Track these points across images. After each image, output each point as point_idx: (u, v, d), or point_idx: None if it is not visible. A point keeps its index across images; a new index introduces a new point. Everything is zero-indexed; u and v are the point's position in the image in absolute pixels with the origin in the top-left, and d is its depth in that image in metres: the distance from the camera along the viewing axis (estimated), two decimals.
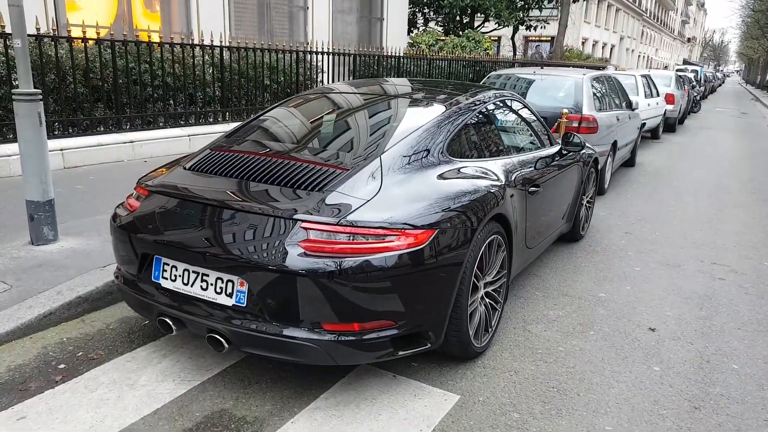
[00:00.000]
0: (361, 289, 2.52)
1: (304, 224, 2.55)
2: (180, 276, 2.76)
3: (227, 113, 9.02)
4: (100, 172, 6.64)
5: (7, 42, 6.21)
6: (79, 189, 5.89)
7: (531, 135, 4.37)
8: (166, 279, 2.80)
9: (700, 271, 4.86)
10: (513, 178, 3.56)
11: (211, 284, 2.67)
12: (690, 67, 31.14)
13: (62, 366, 2.99)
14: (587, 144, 5.21)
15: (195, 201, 2.82)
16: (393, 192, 2.80)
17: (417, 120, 3.33)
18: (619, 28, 49.95)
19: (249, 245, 2.59)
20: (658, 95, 13.50)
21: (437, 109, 3.47)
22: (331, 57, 11.12)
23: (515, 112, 4.29)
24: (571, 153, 4.67)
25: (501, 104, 4.09)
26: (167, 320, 2.77)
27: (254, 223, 2.63)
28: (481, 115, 3.72)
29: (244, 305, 2.60)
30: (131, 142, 7.41)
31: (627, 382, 3.09)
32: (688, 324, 3.83)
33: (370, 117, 3.57)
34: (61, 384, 2.82)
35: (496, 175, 3.41)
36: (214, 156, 3.16)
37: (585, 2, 26.26)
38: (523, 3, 20.17)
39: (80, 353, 3.12)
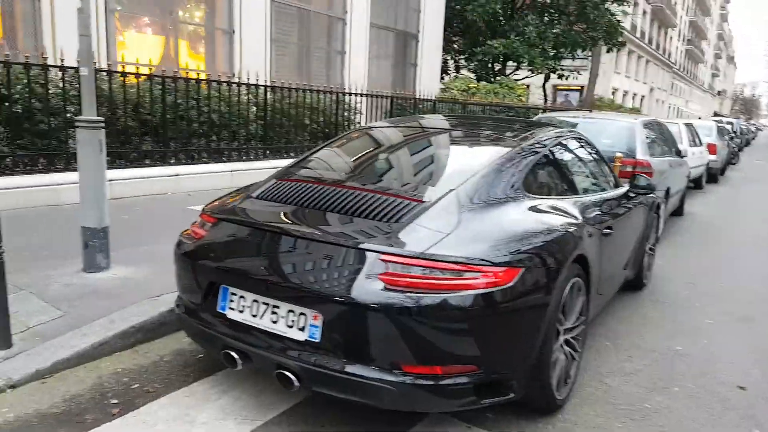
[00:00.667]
0: (445, 329, 2.34)
1: (385, 256, 2.40)
2: (248, 307, 2.62)
3: (268, 150, 9.05)
4: (145, 204, 6.62)
5: (64, 74, 6.33)
6: (125, 219, 5.85)
7: (598, 175, 4.21)
8: (233, 310, 2.66)
9: None
10: (589, 217, 3.39)
11: (282, 317, 2.52)
12: (724, 119, 30.83)
13: (118, 399, 2.83)
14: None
15: (266, 230, 2.71)
16: (473, 226, 2.65)
17: (489, 155, 3.20)
18: (649, 80, 50.05)
19: (325, 277, 2.45)
20: (701, 144, 13.26)
21: (509, 145, 3.34)
22: (368, 99, 11.20)
23: (583, 150, 4.14)
24: (639, 196, 4.49)
25: (570, 142, 3.95)
26: (232, 354, 2.62)
27: (331, 254, 2.48)
28: (552, 152, 3.58)
29: (318, 341, 2.43)
30: (176, 175, 7.43)
31: None
32: None
33: (438, 151, 3.46)
34: (119, 418, 2.67)
35: (573, 214, 3.24)
36: (283, 185, 3.06)
37: (616, 53, 26.36)
38: (555, 52, 20.27)
39: (135, 385, 2.97)
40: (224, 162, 8.27)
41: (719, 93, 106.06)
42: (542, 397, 2.80)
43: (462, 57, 21.91)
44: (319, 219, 2.71)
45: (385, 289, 2.33)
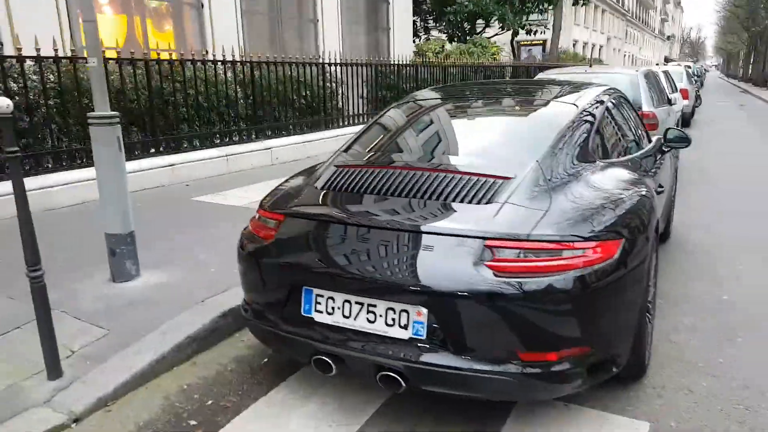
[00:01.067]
0: (559, 312, 2.21)
1: (491, 242, 2.23)
2: (339, 308, 2.42)
3: (258, 131, 8.68)
4: (145, 199, 6.26)
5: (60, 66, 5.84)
6: None
7: (639, 131, 4.09)
8: (321, 312, 2.46)
9: None
10: (648, 176, 3.28)
11: (381, 316, 2.33)
12: (683, 63, 31.25)
13: (196, 419, 2.62)
14: None
15: (350, 224, 2.49)
16: (567, 200, 2.49)
17: (555, 121, 3.02)
18: (606, 29, 50.30)
19: (426, 269, 2.26)
20: (676, 90, 13.36)
21: (570, 109, 3.16)
22: (353, 68, 10.84)
23: (625, 107, 4.00)
24: (673, 149, 4.40)
25: (618, 100, 3.80)
26: (325, 359, 2.42)
27: (428, 244, 2.30)
28: (608, 111, 3.44)
29: (423, 337, 2.26)
30: (170, 165, 7.05)
31: None
32: None
33: (500, 121, 3.25)
34: None
35: (638, 175, 3.12)
36: (351, 172, 2.82)
37: (574, 6, 26.30)
38: (522, 7, 20.05)
39: (209, 401, 2.76)
40: (217, 147, 7.88)
41: (668, 38, 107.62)
42: (636, 365, 2.75)
43: (431, 18, 21.49)
44: (405, 207, 2.51)
45: (495, 276, 2.17)
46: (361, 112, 11.35)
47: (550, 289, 2.17)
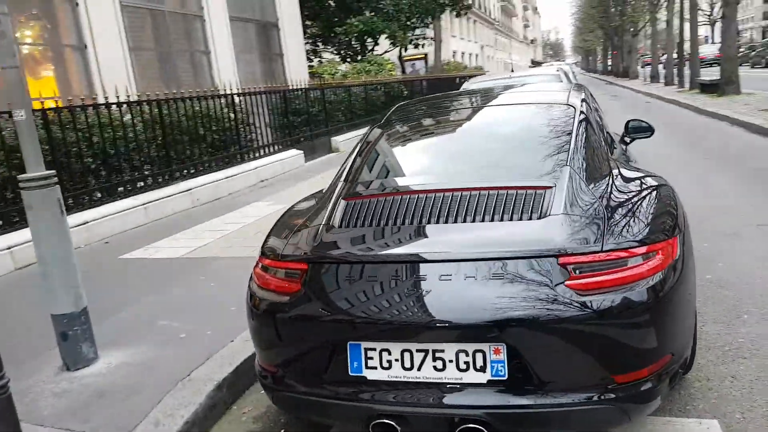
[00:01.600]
0: (642, 323, 2.02)
1: (564, 259, 2.01)
2: (398, 360, 2.08)
3: (175, 173, 8.00)
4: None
5: None
6: None
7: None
8: (374, 368, 2.11)
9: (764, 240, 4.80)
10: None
11: (451, 361, 2.03)
12: (554, 63, 33.40)
13: None
14: None
15: (395, 262, 2.16)
16: (614, 205, 2.36)
17: (563, 123, 2.89)
18: (479, 39, 52.89)
19: (499, 300, 1.99)
20: None
21: (569, 110, 3.03)
22: (260, 96, 10.40)
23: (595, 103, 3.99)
24: (634, 140, 4.45)
25: (589, 97, 3.76)
26: (388, 422, 2.07)
27: (496, 272, 2.03)
28: (596, 110, 3.38)
29: (505, 377, 1.99)
30: (84, 223, 6.26)
31: None
32: None
33: (507, 130, 3.03)
34: None
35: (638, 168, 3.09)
36: (370, 205, 2.48)
37: (450, 18, 27.41)
38: (407, 23, 20.47)
39: None
40: (132, 196, 7.14)
41: (532, 41, 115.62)
42: (691, 361, 2.64)
43: (320, 40, 21.36)
44: (450, 234, 2.23)
45: (579, 295, 1.96)
46: (273, 140, 10.89)
47: (632, 301, 1.99)
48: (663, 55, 31.53)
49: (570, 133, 2.74)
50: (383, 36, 19.51)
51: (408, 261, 2.15)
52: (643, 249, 2.08)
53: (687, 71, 21.69)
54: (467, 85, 7.93)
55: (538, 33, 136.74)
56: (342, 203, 2.56)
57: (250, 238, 5.82)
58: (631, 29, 39.46)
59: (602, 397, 1.99)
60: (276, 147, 10.82)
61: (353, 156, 3.05)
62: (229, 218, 6.96)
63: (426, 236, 2.26)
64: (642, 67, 42.07)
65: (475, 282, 2.03)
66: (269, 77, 14.97)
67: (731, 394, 2.64)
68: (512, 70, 7.92)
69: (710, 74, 20.11)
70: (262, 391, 3.04)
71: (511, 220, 2.22)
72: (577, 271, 2.00)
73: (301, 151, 11.37)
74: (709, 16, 38.88)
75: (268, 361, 2.40)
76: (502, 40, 71.57)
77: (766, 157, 8.29)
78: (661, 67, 30.40)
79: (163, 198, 7.35)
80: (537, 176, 2.47)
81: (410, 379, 2.07)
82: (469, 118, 3.29)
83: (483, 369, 2.01)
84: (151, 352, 3.38)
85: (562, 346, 1.98)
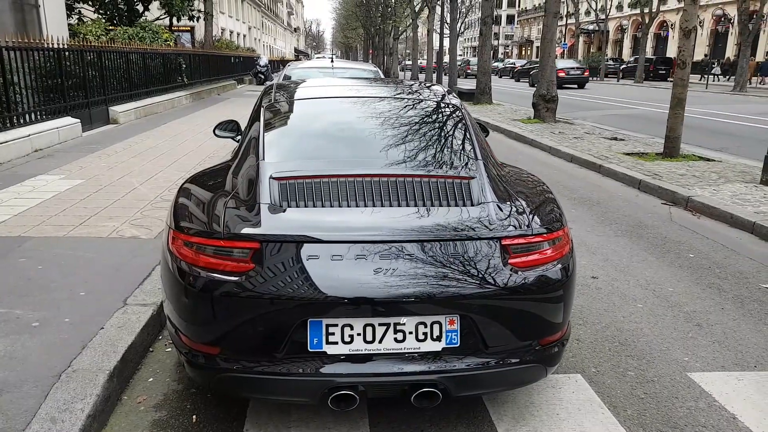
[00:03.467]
0: (561, 296, 2.49)
1: (506, 241, 2.37)
2: (360, 335, 2.25)
3: None
4: None
5: None
6: None
7: None
8: (335, 344, 2.25)
9: None
10: None
11: (410, 333, 2.27)
12: (326, 55, 34.55)
13: None
14: None
15: (353, 242, 2.29)
16: (524, 195, 2.74)
17: (456, 120, 3.24)
18: (247, 19, 51.81)
19: (455, 277, 2.28)
20: None
21: (457, 109, 3.38)
22: (26, 53, 8.93)
23: None
24: None
25: None
26: (347, 393, 2.24)
27: (450, 251, 2.31)
28: None
29: (458, 345, 2.30)
30: None
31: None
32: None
33: (410, 120, 3.24)
34: None
35: None
36: (308, 186, 2.54)
37: None
38: None
39: None
40: None
41: (295, 30, 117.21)
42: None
43: None
44: (399, 216, 2.42)
45: (518, 272, 2.34)
46: (43, 105, 9.42)
47: (553, 278, 2.42)
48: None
49: (466, 129, 3.12)
50: (156, 2, 18.08)
51: (366, 241, 2.29)
52: (559, 233, 2.53)
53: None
54: (292, 71, 7.92)
55: (301, 22, 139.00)
56: (274, 182, 2.57)
57: (58, 216, 5.14)
58: (392, 33, 42.75)
59: (531, 358, 2.43)
60: (46, 114, 9.41)
61: (256, 133, 3.00)
62: (17, 192, 5.99)
63: (375, 217, 2.42)
64: (401, 70, 45.85)
65: (432, 260, 2.29)
66: (21, 30, 12.82)
67: (581, 354, 3.29)
68: (332, 60, 8.14)
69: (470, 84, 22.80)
70: (151, 380, 2.94)
71: (449, 205, 2.50)
72: (516, 251, 2.38)
73: (78, 120, 10.08)
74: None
75: (207, 341, 2.34)
76: (268, 24, 71.20)
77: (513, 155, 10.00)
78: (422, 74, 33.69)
79: None
80: (456, 167, 2.80)
81: (370, 352, 2.26)
82: (363, 106, 3.43)
83: (439, 338, 2.28)
84: (3, 343, 2.91)
85: (504, 315, 2.35)
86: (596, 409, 2.76)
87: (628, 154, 9.29)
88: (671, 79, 17.79)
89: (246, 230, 2.33)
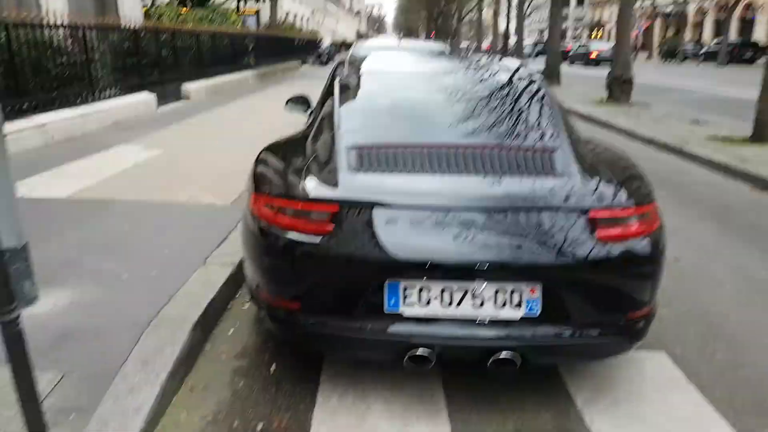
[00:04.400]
0: (654, 272, 2.43)
1: (593, 213, 2.32)
2: (437, 298, 2.27)
3: (21, 105, 6.97)
4: None
5: None
6: None
7: None
8: (412, 305, 2.28)
9: None
10: None
11: (490, 299, 2.27)
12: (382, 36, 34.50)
13: None
14: None
15: (437, 208, 2.30)
16: (602, 165, 2.68)
17: (536, 92, 3.18)
18: (310, 3, 52.29)
19: (538, 246, 2.26)
20: None
21: (536, 82, 3.31)
22: (108, 33, 9.36)
23: None
24: None
25: None
26: (424, 354, 2.26)
27: (535, 221, 2.29)
28: None
29: (537, 315, 2.28)
30: None
31: None
32: None
33: (490, 92, 3.21)
34: None
35: None
36: (382, 154, 2.58)
37: None
38: None
39: (259, 426, 2.34)
40: None
41: (357, 13, 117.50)
42: None
43: None
44: (485, 185, 2.41)
45: (604, 244, 2.29)
46: (123, 81, 9.88)
47: (640, 252, 2.36)
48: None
49: (546, 100, 3.06)
50: None
51: (447, 207, 2.30)
52: (647, 207, 2.46)
53: None
54: (360, 49, 7.93)
55: (363, 6, 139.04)
56: (352, 150, 2.60)
57: (140, 183, 5.41)
58: (456, 15, 42.20)
59: (615, 332, 2.39)
60: (124, 89, 9.85)
61: (330, 105, 3.05)
62: (100, 161, 6.33)
63: (458, 185, 2.43)
64: None
65: (513, 229, 2.28)
66: (99, 11, 13.41)
67: (665, 333, 3.17)
68: (400, 39, 8.14)
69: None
70: (230, 333, 3.06)
71: (532, 175, 2.47)
72: (603, 224, 2.32)
73: (154, 95, 10.51)
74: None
75: (287, 298, 2.42)
76: (330, 8, 71.58)
77: None
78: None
79: (12, 133, 6.39)
80: (538, 138, 2.76)
81: (447, 316, 2.27)
82: (437, 77, 3.42)
83: (518, 306, 2.27)
84: (96, 292, 3.11)
85: (588, 287, 2.31)
86: (683, 388, 2.67)
87: (711, 137, 8.75)
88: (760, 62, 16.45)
89: (325, 194, 2.38)
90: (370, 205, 2.31)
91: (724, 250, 4.46)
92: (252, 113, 10.60)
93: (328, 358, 2.81)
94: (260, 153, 3.01)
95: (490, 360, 2.26)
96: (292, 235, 2.35)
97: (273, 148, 3.11)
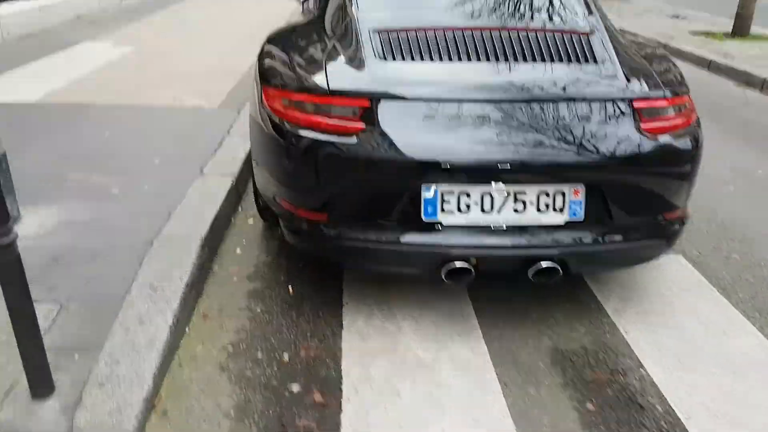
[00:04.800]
0: (693, 170, 2.22)
1: (637, 103, 2.07)
2: (477, 204, 2.03)
3: None
4: None
5: None
6: None
7: None
8: (450, 213, 2.04)
9: None
10: None
11: (531, 203, 2.04)
12: None
13: (299, 381, 2.02)
14: None
15: (474, 100, 2.01)
16: (638, 53, 2.42)
17: None
18: None
19: (582, 141, 2.01)
20: None
21: None
22: None
23: None
24: None
25: None
26: (461, 266, 2.04)
27: (577, 113, 2.03)
28: None
29: (581, 218, 2.07)
30: None
31: None
32: None
33: None
34: (349, 404, 1.94)
35: None
36: (409, 38, 2.21)
37: None
38: None
39: (285, 355, 2.14)
40: None
41: None
42: None
43: None
44: (521, 73, 2.12)
45: (647, 138, 2.06)
46: None
47: (682, 147, 2.15)
48: None
49: None
50: None
51: (486, 100, 2.02)
52: (685, 98, 2.22)
53: None
54: None
55: None
56: (376, 35, 2.25)
57: (116, 84, 4.91)
58: None
59: (655, 234, 2.21)
60: None
61: None
62: (67, 60, 5.73)
63: (498, 74, 2.12)
64: None
65: (556, 123, 2.02)
66: None
67: (681, 238, 3.04)
68: None
69: None
70: (238, 251, 2.81)
71: (572, 62, 2.18)
72: (647, 115, 2.08)
73: None
74: None
75: (312, 207, 2.15)
76: None
77: None
78: None
79: None
80: (571, 20, 2.43)
81: (488, 223, 2.05)
82: None
83: (561, 210, 2.06)
84: (86, 210, 2.79)
85: (632, 186, 2.10)
86: (705, 291, 2.59)
87: (693, 32, 8.50)
88: None
89: (354, 86, 2.06)
90: (406, 99, 2.02)
91: (722, 149, 4.30)
92: (231, 6, 9.76)
93: (348, 275, 2.59)
94: (265, 44, 2.64)
95: (532, 270, 2.06)
96: (316, 135, 2.05)
97: (279, 38, 2.73)
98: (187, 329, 2.25)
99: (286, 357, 2.13)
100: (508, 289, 2.51)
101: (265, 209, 2.71)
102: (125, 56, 5.91)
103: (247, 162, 3.45)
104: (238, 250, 2.82)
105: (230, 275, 2.62)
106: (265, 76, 2.34)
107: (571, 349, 2.21)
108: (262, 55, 2.52)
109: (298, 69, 2.28)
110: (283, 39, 2.68)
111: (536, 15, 2.49)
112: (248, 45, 6.35)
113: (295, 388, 1.99)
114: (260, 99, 2.32)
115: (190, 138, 3.75)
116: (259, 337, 2.23)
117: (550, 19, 2.46)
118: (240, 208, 3.21)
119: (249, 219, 3.10)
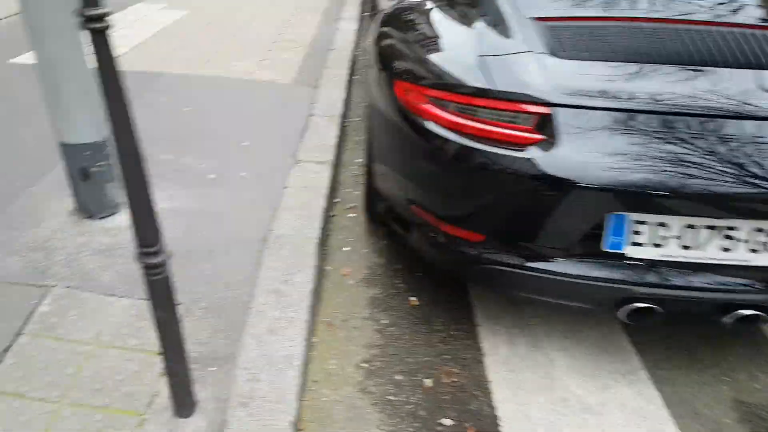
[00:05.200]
0: None
1: None
2: (676, 237, 1.78)
3: None
4: None
5: None
6: None
7: None
8: (640, 245, 1.79)
9: None
10: None
11: (743, 241, 1.78)
12: None
13: (451, 410, 1.83)
14: None
15: (678, 114, 1.73)
16: None
17: None
18: None
19: None
20: None
21: None
22: None
23: None
24: None
25: None
26: (650, 305, 1.81)
27: None
28: None
29: None
30: None
31: None
32: None
33: None
34: None
35: None
36: (589, 31, 1.94)
37: None
38: None
39: (426, 381, 1.94)
40: None
41: None
42: None
43: None
44: (738, 84, 1.80)
45: None
46: None
47: None
48: None
49: None
50: None
51: (696, 115, 1.74)
52: None
53: None
54: None
55: None
56: (540, 25, 1.96)
57: (179, 51, 4.64)
58: None
59: None
60: None
61: None
62: (123, 22, 5.45)
63: (710, 84, 1.81)
64: None
65: None
66: None
67: None
68: None
69: None
70: (347, 249, 2.60)
71: None
72: None
73: None
74: None
75: (462, 225, 1.91)
76: None
77: None
78: None
79: None
80: None
81: (685, 260, 1.80)
82: None
83: None
84: (188, 197, 2.58)
85: None
86: None
87: None
88: None
89: (530, 89, 1.78)
90: (590, 109, 1.74)
91: None
92: None
93: (476, 291, 2.38)
94: (382, 24, 2.35)
95: (732, 316, 1.82)
96: (471, 143, 1.80)
97: (400, 19, 2.44)
98: (314, 339, 2.06)
99: (428, 382, 1.94)
100: (674, 326, 2.26)
101: (381, 212, 2.45)
102: (182, 21, 5.62)
103: (339, 148, 3.23)
104: (347, 249, 2.61)
105: (344, 277, 2.42)
106: (395, 66, 2.08)
107: (757, 403, 1.98)
108: (379, 36, 2.25)
109: (443, 62, 1.98)
110: (404, 22, 2.39)
111: (751, 9, 2.13)
112: (305, 15, 6.07)
113: (447, 422, 1.80)
114: (389, 92, 2.07)
115: (273, 117, 3.51)
116: (394, 355, 2.03)
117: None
118: (338, 199, 2.99)
119: (348, 212, 2.88)
